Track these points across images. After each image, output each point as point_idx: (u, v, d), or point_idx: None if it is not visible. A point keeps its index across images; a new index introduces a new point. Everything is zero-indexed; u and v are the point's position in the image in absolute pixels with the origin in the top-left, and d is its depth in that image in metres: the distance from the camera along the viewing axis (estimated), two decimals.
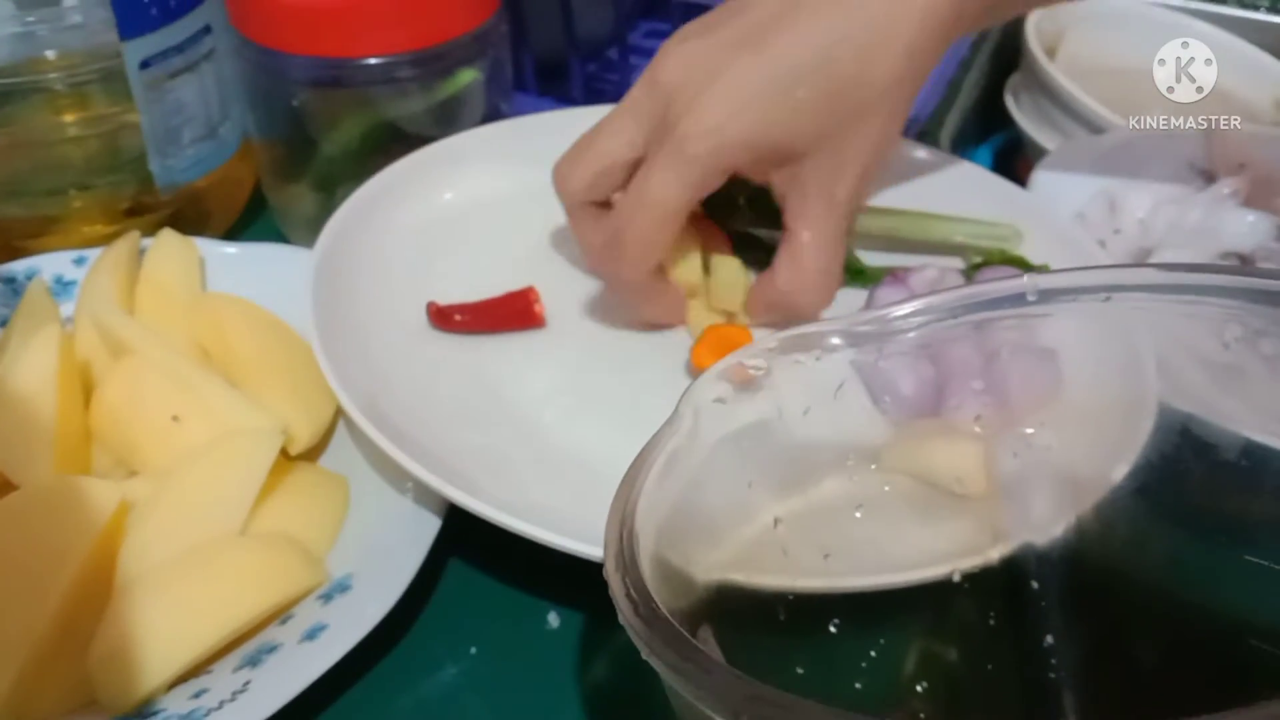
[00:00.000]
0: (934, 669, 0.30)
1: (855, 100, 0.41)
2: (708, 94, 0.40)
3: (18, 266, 0.49)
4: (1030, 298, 0.30)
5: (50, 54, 0.51)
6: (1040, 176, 0.53)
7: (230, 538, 0.38)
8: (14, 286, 0.48)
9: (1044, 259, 0.48)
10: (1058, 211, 0.51)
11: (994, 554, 0.31)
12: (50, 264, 0.49)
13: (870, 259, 0.51)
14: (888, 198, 0.53)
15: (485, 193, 0.53)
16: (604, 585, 0.33)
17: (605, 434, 0.43)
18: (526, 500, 0.38)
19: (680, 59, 0.42)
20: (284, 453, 0.41)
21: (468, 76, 0.53)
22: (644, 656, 0.22)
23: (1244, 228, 0.48)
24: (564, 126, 0.55)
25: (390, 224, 0.50)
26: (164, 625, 0.35)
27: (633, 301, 0.47)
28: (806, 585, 0.29)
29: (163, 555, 0.37)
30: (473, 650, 0.38)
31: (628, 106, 0.43)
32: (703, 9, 0.63)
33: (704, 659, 0.21)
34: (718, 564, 0.28)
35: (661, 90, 0.42)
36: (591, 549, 0.34)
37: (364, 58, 0.50)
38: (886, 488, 0.31)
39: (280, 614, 0.37)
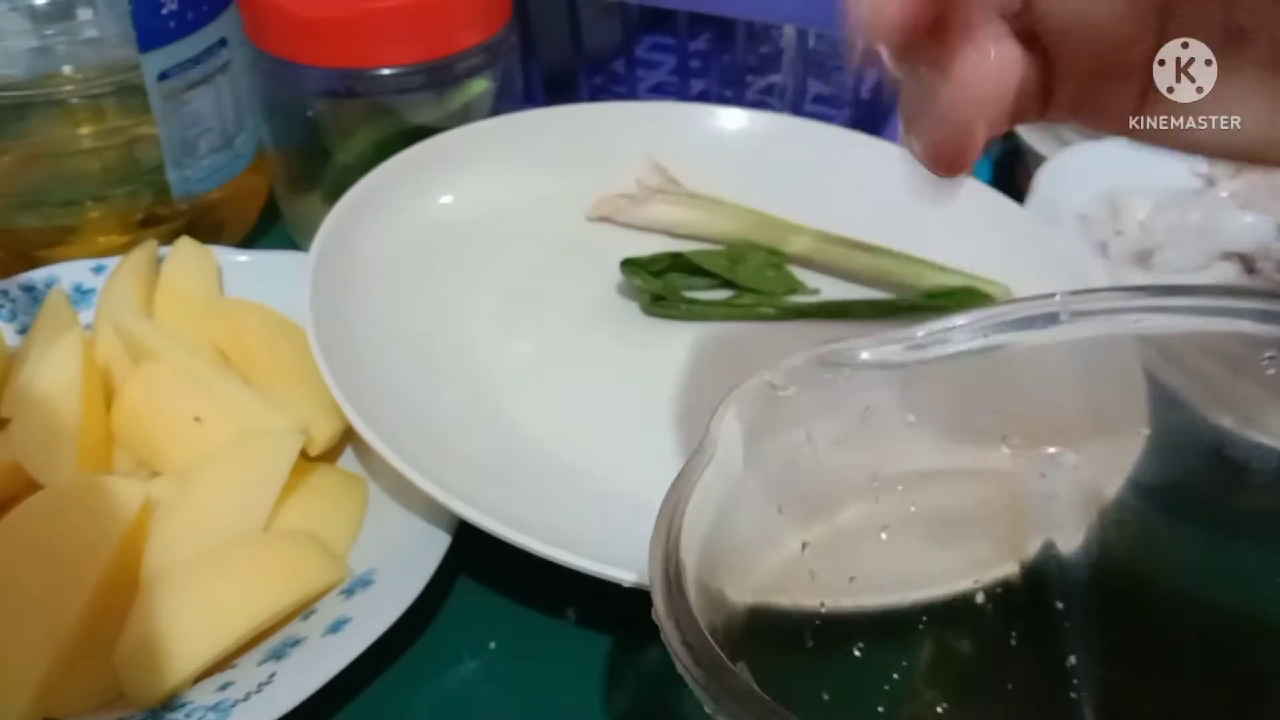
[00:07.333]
0: (956, 689, 0.30)
1: None
2: None
3: (37, 275, 0.50)
4: (1063, 318, 0.30)
5: (67, 68, 0.52)
6: (1042, 180, 0.53)
7: (253, 534, 0.38)
8: (34, 295, 0.49)
9: (1041, 279, 0.46)
10: (1055, 231, 0.51)
11: (1018, 572, 0.30)
12: (69, 273, 0.50)
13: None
14: (884, 215, 0.51)
15: (482, 193, 0.53)
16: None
17: (613, 444, 0.43)
18: (534, 511, 0.38)
19: None
20: (303, 454, 0.41)
21: (479, 87, 0.54)
22: (709, 711, 0.21)
23: (1243, 229, 0.49)
24: (555, 123, 0.56)
25: (386, 227, 0.50)
26: (189, 620, 0.35)
27: None
28: (830, 604, 0.29)
29: (187, 552, 0.37)
30: (492, 645, 0.38)
31: None
32: (709, 21, 0.65)
33: (779, 715, 0.20)
34: (749, 589, 0.27)
35: None
36: (598, 566, 0.34)
37: (377, 68, 0.51)
38: (912, 509, 0.31)
39: (303, 609, 0.37)
